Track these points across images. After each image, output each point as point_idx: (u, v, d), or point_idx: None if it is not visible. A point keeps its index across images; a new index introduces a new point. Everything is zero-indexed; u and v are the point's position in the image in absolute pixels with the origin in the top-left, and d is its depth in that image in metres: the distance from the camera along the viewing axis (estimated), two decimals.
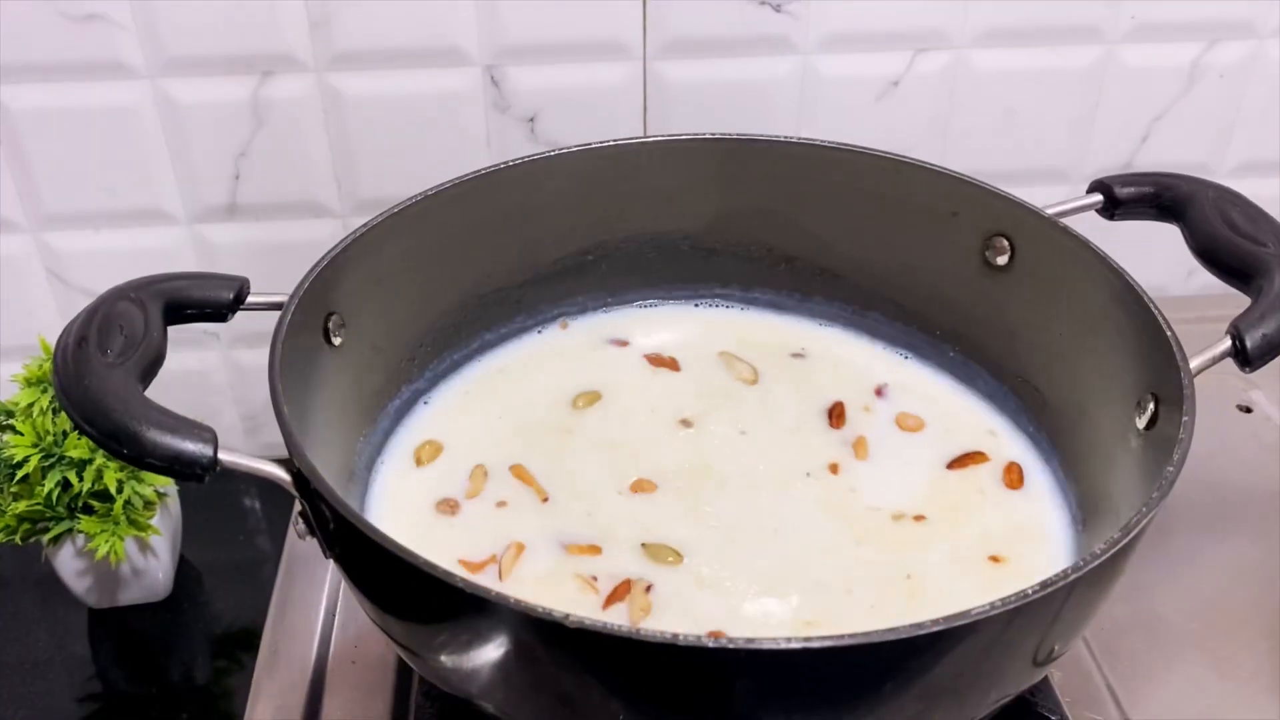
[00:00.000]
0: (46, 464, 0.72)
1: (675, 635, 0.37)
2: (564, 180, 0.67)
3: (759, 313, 0.74)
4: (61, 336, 0.48)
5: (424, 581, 0.40)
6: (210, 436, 0.44)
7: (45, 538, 0.74)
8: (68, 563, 0.77)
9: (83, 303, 0.52)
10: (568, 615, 0.38)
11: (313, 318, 0.56)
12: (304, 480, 0.45)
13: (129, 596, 0.80)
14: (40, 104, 0.77)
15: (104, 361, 0.46)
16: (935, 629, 0.38)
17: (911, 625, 0.38)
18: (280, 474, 0.45)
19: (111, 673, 0.78)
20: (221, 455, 0.45)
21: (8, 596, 0.82)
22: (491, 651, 0.42)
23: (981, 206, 0.63)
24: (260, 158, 0.80)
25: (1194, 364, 0.51)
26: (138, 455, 0.44)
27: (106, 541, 0.72)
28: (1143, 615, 0.66)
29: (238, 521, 0.87)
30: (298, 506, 0.47)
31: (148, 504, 0.75)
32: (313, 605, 0.69)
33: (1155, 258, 0.70)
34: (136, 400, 0.45)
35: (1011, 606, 0.39)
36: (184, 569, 0.83)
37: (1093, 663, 0.63)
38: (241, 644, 0.78)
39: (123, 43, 0.74)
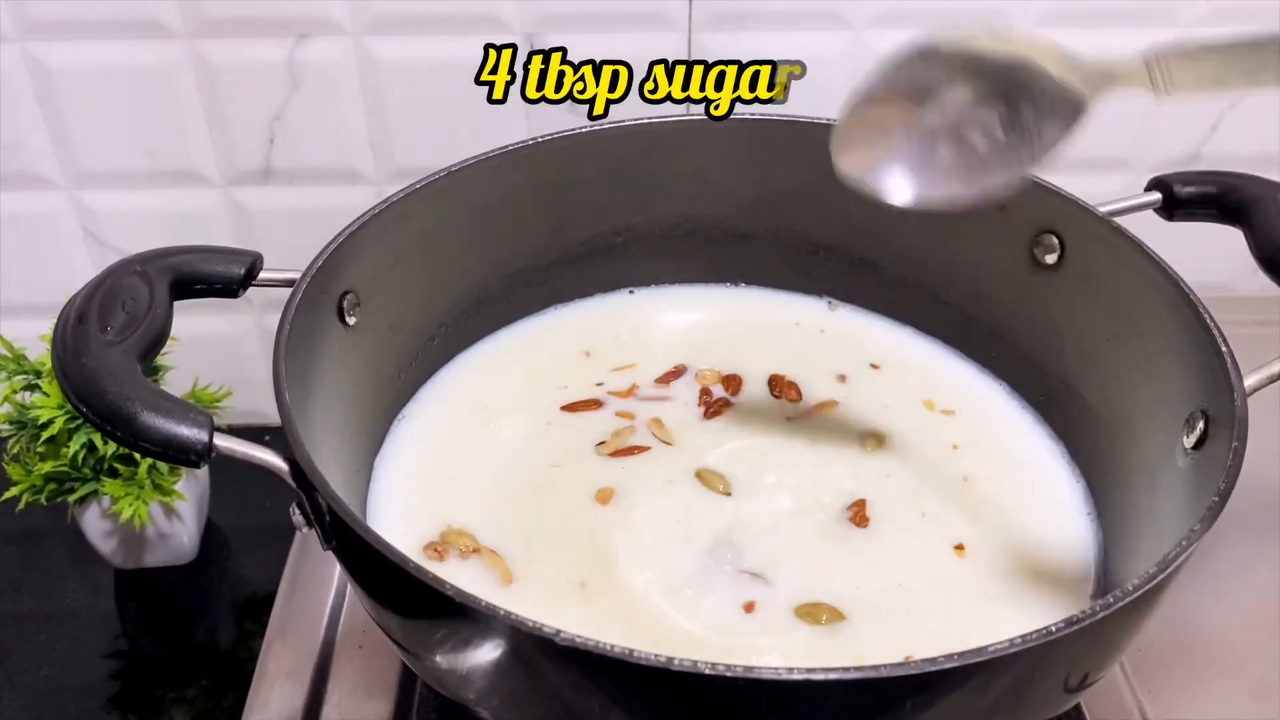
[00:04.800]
0: (72, 425, 0.72)
1: (670, 659, 0.36)
2: (594, 158, 0.64)
3: (789, 296, 0.72)
4: (64, 310, 0.47)
5: (416, 587, 0.39)
6: (205, 421, 0.43)
7: (71, 498, 0.74)
8: (94, 523, 0.77)
9: None
10: (558, 632, 0.36)
11: (326, 296, 0.54)
12: (300, 472, 0.43)
13: (155, 559, 0.80)
14: (77, 62, 0.76)
15: (103, 340, 0.45)
16: (948, 665, 0.36)
17: (924, 660, 0.36)
18: (277, 463, 0.44)
19: (136, 632, 0.78)
20: (217, 441, 0.43)
21: (40, 550, 0.83)
22: (485, 660, 0.40)
23: (1032, 201, 0.60)
24: (295, 122, 0.79)
25: (1249, 383, 0.48)
26: (131, 438, 0.42)
27: (130, 505, 0.72)
28: (1183, 635, 0.63)
29: (266, 486, 0.86)
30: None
31: (173, 469, 0.75)
32: (323, 585, 0.68)
33: (1220, 251, 0.66)
34: (133, 381, 0.44)
35: (1032, 645, 0.37)
36: (211, 533, 0.83)
37: (1125, 684, 0.61)
38: (265, 608, 0.77)
39: (160, 2, 0.73)
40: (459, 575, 0.53)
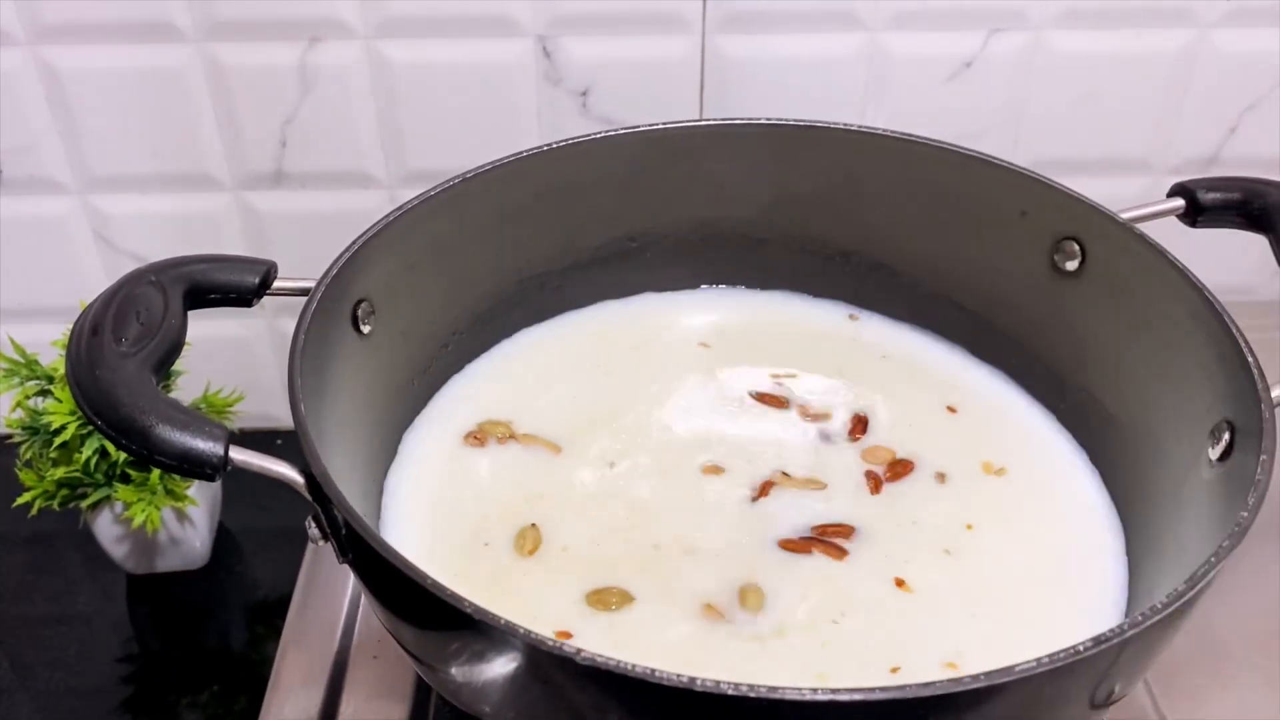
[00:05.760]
0: (85, 431, 0.71)
1: (692, 679, 0.35)
2: (609, 163, 0.64)
3: (806, 300, 0.71)
4: (78, 321, 0.47)
5: (433, 602, 0.38)
6: (221, 434, 0.43)
7: (83, 504, 0.74)
8: (106, 529, 0.77)
9: (129, 266, 0.51)
10: (579, 650, 0.36)
11: (340, 305, 0.54)
12: (317, 485, 0.43)
13: (167, 564, 0.80)
14: (88, 65, 0.76)
15: (118, 351, 0.44)
16: (974, 685, 0.35)
17: (949, 680, 0.35)
18: (293, 476, 0.44)
19: (149, 636, 0.78)
20: (233, 454, 0.43)
21: (51, 554, 0.83)
22: (502, 675, 0.40)
23: (1053, 207, 0.59)
24: (308, 125, 0.78)
25: (1277, 393, 0.47)
26: (146, 452, 0.42)
27: (143, 511, 0.72)
28: (1204, 644, 0.63)
29: (278, 490, 0.86)
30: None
31: None
32: (338, 593, 0.68)
33: (1243, 253, 0.66)
34: (147, 393, 0.43)
35: (1060, 663, 0.36)
36: (223, 537, 0.83)
37: (1147, 696, 0.60)
38: (277, 613, 0.77)
39: (171, 4, 0.73)
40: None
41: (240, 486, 0.82)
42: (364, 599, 0.68)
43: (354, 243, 0.55)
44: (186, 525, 0.78)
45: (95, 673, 0.75)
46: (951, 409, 0.64)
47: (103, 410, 0.43)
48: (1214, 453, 0.49)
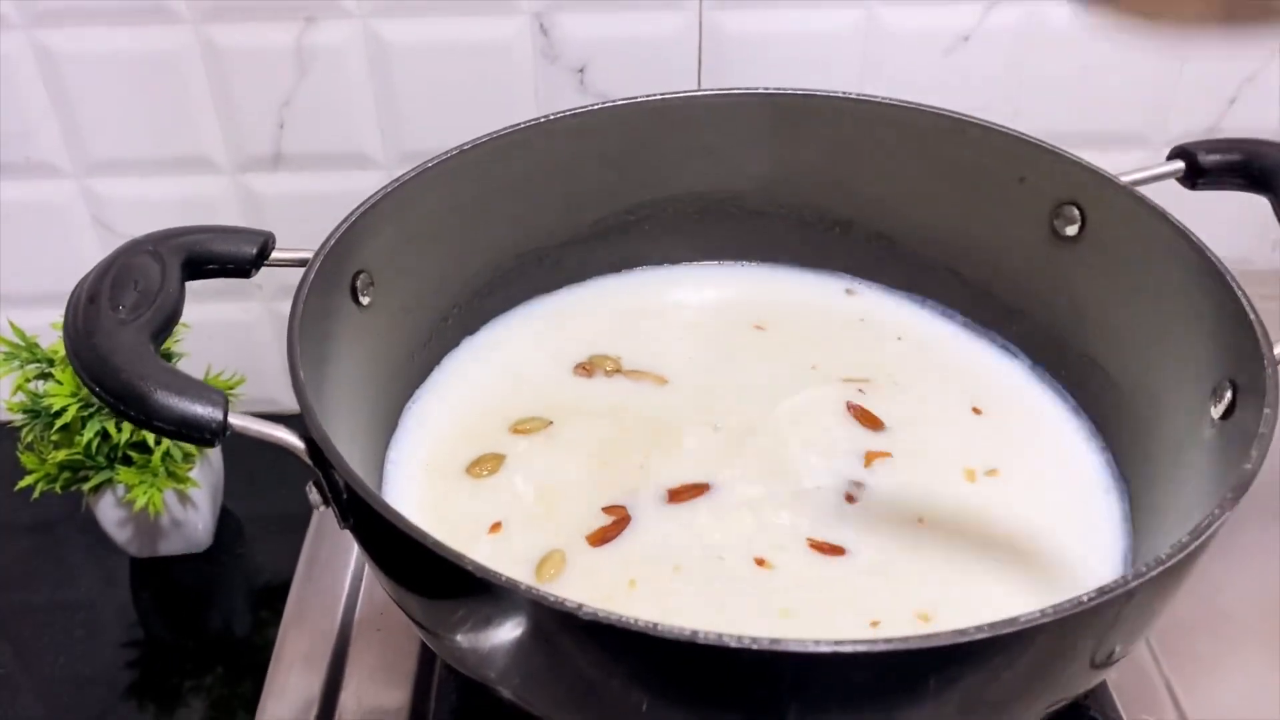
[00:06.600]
0: (85, 413, 0.71)
1: (695, 632, 0.35)
2: (607, 136, 0.64)
3: (804, 274, 0.71)
4: (74, 291, 0.46)
5: (436, 563, 0.38)
6: (220, 400, 0.43)
7: (85, 487, 0.74)
8: (108, 512, 0.77)
9: None
10: (580, 606, 0.36)
11: (339, 276, 0.54)
12: (317, 449, 0.43)
13: (169, 547, 0.80)
14: (85, 49, 0.76)
15: (115, 319, 0.44)
16: (979, 636, 0.35)
17: (954, 632, 0.35)
18: (294, 441, 0.44)
19: (152, 621, 0.78)
20: (232, 419, 0.43)
21: (54, 540, 0.83)
22: (506, 636, 0.40)
23: (1051, 172, 0.59)
24: (304, 107, 0.78)
25: (1279, 351, 0.47)
26: (145, 417, 0.42)
27: (145, 493, 0.72)
28: (1208, 611, 0.63)
29: (281, 473, 0.86)
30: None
31: (187, 456, 0.75)
32: (340, 569, 0.68)
33: (1240, 224, 0.65)
34: (146, 360, 0.43)
35: (1065, 614, 0.36)
36: (225, 520, 0.83)
37: (1152, 662, 0.60)
38: (280, 596, 0.77)
39: None
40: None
41: (242, 469, 0.83)
42: (366, 571, 0.68)
43: (351, 214, 0.55)
44: (189, 508, 0.78)
45: (99, 658, 0.75)
46: (946, 378, 0.64)
47: (101, 377, 0.43)
48: (1216, 411, 0.49)
